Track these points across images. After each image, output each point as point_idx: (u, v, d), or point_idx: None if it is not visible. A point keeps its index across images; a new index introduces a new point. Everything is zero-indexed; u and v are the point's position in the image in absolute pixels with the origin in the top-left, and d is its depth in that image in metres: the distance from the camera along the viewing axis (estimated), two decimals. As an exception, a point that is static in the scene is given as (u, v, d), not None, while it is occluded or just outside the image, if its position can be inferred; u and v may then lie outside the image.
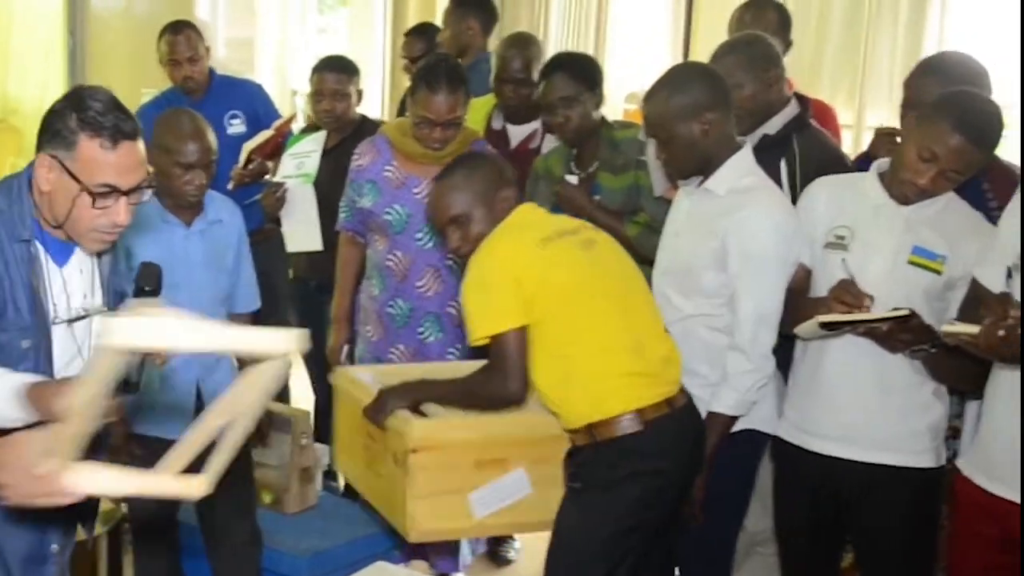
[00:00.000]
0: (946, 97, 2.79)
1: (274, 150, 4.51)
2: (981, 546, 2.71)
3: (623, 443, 2.77)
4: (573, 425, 2.84)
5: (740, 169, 2.98)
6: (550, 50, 6.78)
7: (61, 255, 2.39)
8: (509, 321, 2.75)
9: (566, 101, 3.61)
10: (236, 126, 4.69)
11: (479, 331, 2.79)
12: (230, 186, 4.39)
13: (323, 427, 4.47)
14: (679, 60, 6.62)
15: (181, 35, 4.70)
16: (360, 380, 3.19)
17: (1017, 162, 3.20)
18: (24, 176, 2.34)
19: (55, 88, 6.51)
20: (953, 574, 2.91)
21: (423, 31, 5.42)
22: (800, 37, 4.62)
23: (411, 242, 3.70)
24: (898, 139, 3.13)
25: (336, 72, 4.26)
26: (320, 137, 4.30)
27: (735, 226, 2.88)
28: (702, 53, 6.36)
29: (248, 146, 4.39)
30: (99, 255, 2.46)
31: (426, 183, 3.65)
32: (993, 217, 2.85)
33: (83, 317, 2.42)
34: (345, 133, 4.30)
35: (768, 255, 2.88)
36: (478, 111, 4.29)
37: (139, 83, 5.25)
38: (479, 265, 2.82)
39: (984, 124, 2.74)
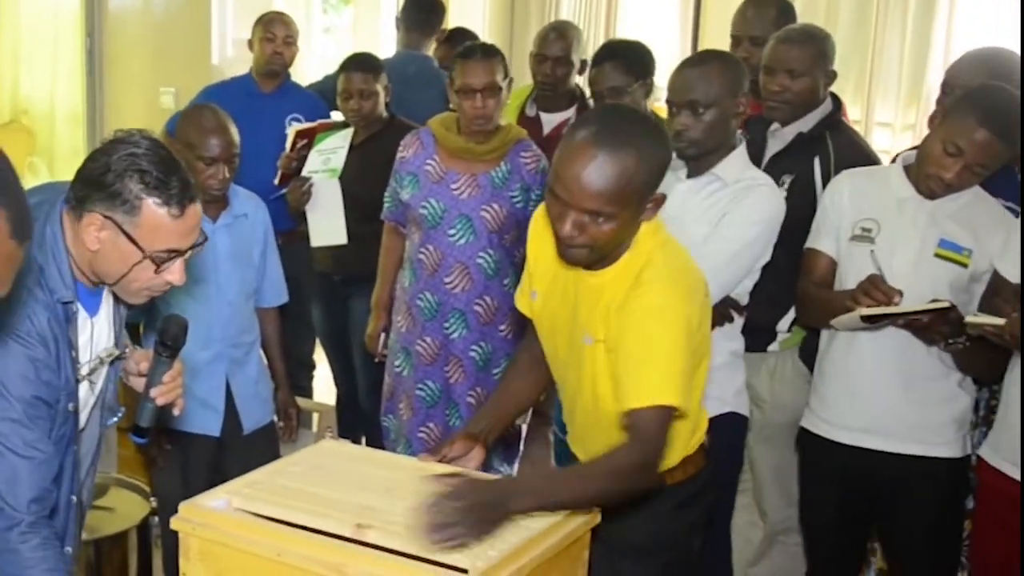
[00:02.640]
0: (972, 92, 2.83)
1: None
2: (1004, 533, 2.76)
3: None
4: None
5: (745, 160, 3.02)
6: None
7: (92, 306, 2.26)
8: (683, 398, 2.23)
9: (615, 91, 3.62)
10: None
11: (660, 395, 2.18)
12: (276, 179, 4.42)
13: (345, 421, 4.52)
14: (688, 52, 6.66)
15: (281, 17, 4.90)
16: (220, 511, 2.20)
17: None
18: (55, 224, 2.14)
19: (68, 88, 6.54)
20: (976, 560, 2.96)
21: (452, 39, 5.37)
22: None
23: (444, 237, 3.73)
24: None
25: (362, 71, 4.28)
26: (348, 134, 4.32)
27: (737, 209, 2.90)
28: (711, 43, 6.41)
29: (295, 128, 4.43)
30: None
31: (465, 179, 3.70)
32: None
33: (100, 364, 2.33)
34: (373, 130, 4.33)
35: (753, 239, 2.90)
36: (514, 99, 4.37)
37: (157, 83, 5.28)
38: (679, 315, 2.25)
39: (1009, 118, 2.76)
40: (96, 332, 2.29)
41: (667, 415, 2.19)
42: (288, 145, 4.42)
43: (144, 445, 2.61)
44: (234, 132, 3.37)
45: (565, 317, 2.41)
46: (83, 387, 2.27)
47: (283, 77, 4.88)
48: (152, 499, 3.57)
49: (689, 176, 2.98)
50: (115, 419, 2.51)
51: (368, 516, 2.09)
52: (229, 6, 5.58)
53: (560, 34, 4.41)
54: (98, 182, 2.05)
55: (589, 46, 5.95)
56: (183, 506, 2.16)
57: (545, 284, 2.46)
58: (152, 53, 5.41)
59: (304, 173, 4.31)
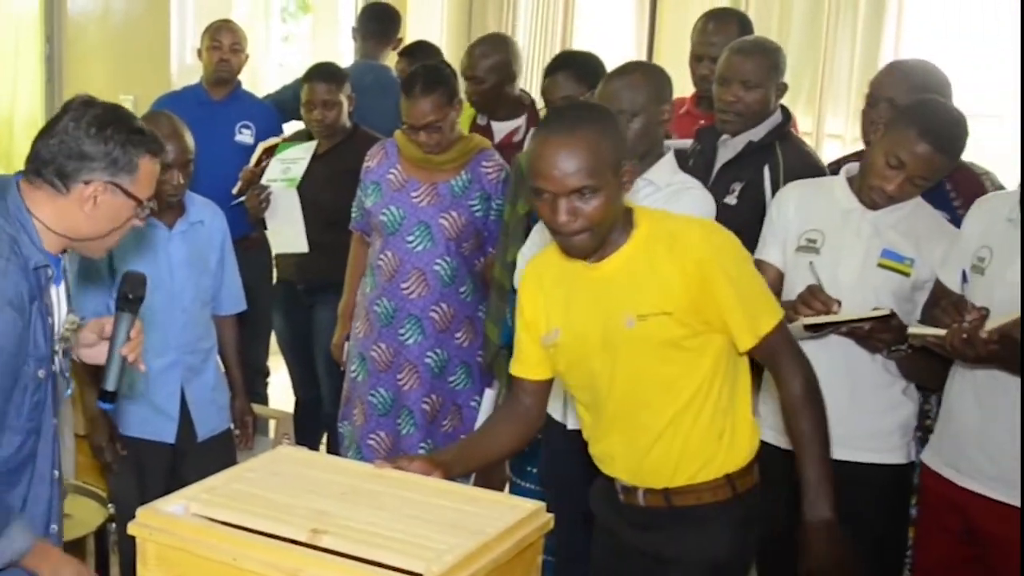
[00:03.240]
0: (912, 106, 2.90)
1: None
2: (944, 537, 2.83)
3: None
4: (704, 477, 2.48)
5: (674, 166, 3.12)
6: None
7: (57, 275, 2.34)
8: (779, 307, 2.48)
9: (567, 101, 3.62)
10: (245, 136, 4.77)
11: (775, 316, 2.41)
12: (235, 189, 4.45)
13: (305, 428, 4.54)
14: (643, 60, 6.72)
15: (228, 25, 4.91)
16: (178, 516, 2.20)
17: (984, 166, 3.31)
18: (15, 197, 2.24)
19: (28, 94, 6.49)
20: (918, 564, 3.02)
21: (412, 52, 5.33)
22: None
23: (402, 243, 3.78)
24: None
25: (326, 81, 4.29)
26: (311, 146, 4.33)
27: (673, 210, 2.94)
28: (666, 53, 6.49)
29: (263, 145, 4.46)
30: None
31: (425, 187, 3.76)
32: (957, 219, 2.96)
33: (71, 332, 2.41)
34: (336, 139, 4.36)
35: None
36: (467, 109, 4.41)
37: (117, 88, 5.26)
38: (737, 247, 2.45)
39: (950, 132, 2.84)
40: (60, 302, 2.36)
41: (786, 325, 2.44)
42: (253, 160, 4.45)
43: (112, 410, 2.63)
44: (189, 138, 3.39)
45: (595, 324, 2.44)
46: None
47: (233, 85, 4.90)
48: (110, 505, 3.58)
49: None
50: (68, 392, 2.54)
51: (324, 521, 2.11)
52: (189, 14, 5.58)
53: (469, 51, 4.45)
54: (96, 154, 2.22)
55: (546, 55, 6.01)
56: (140, 511, 2.18)
57: (560, 312, 2.51)
58: (111, 60, 5.40)
59: (263, 181, 4.33)
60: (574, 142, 2.28)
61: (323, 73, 4.36)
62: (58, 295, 2.35)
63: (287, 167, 4.31)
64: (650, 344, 2.38)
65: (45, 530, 2.39)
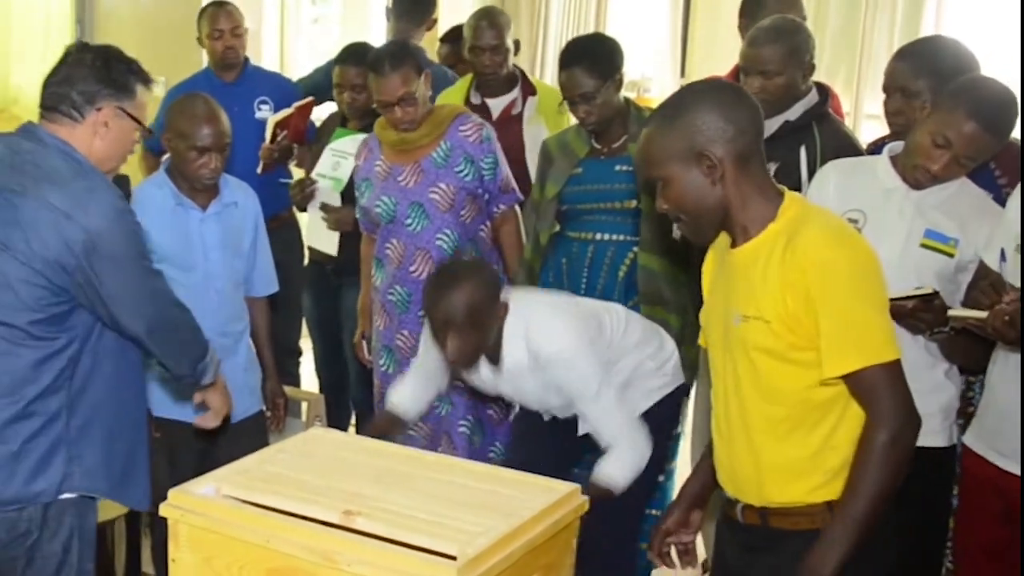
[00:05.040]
0: (961, 84, 2.84)
1: (298, 132, 4.54)
2: (985, 519, 2.80)
3: None
4: (800, 499, 2.28)
5: None
6: (550, 42, 6.85)
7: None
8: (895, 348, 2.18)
9: (586, 97, 3.55)
10: (265, 111, 4.72)
11: (870, 356, 2.14)
12: (259, 168, 4.43)
13: (332, 408, 4.52)
14: (679, 51, 6.68)
15: (223, 9, 4.83)
16: (209, 498, 2.22)
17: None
18: (41, 133, 2.58)
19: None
20: (959, 546, 2.98)
21: (455, 38, 5.31)
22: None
23: (402, 229, 3.76)
24: None
25: (356, 64, 4.24)
26: (362, 139, 4.16)
27: None
28: (701, 41, 6.43)
29: (274, 119, 4.43)
30: None
31: (409, 168, 3.74)
32: (1002, 198, 2.91)
33: None
34: (368, 121, 4.32)
35: None
36: (455, 95, 4.45)
37: (149, 70, 5.26)
38: (856, 268, 2.20)
39: (998, 111, 2.78)
40: None
41: (897, 370, 2.15)
42: (268, 137, 4.42)
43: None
44: (225, 121, 3.38)
45: (719, 311, 2.35)
46: None
47: (242, 64, 4.87)
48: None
49: None
50: None
51: (356, 503, 2.10)
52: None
53: (490, 22, 4.45)
54: (104, 83, 2.57)
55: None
56: (172, 493, 2.18)
57: (708, 291, 2.44)
58: (142, 42, 5.40)
59: (313, 174, 4.32)
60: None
61: (354, 55, 4.32)
62: None
63: (337, 161, 4.26)
64: (747, 347, 2.24)
65: None
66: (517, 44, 4.58)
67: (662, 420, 3.23)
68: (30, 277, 2.46)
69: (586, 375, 2.98)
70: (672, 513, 2.57)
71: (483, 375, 3.13)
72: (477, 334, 2.94)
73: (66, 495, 2.56)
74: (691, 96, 2.29)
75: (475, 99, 4.49)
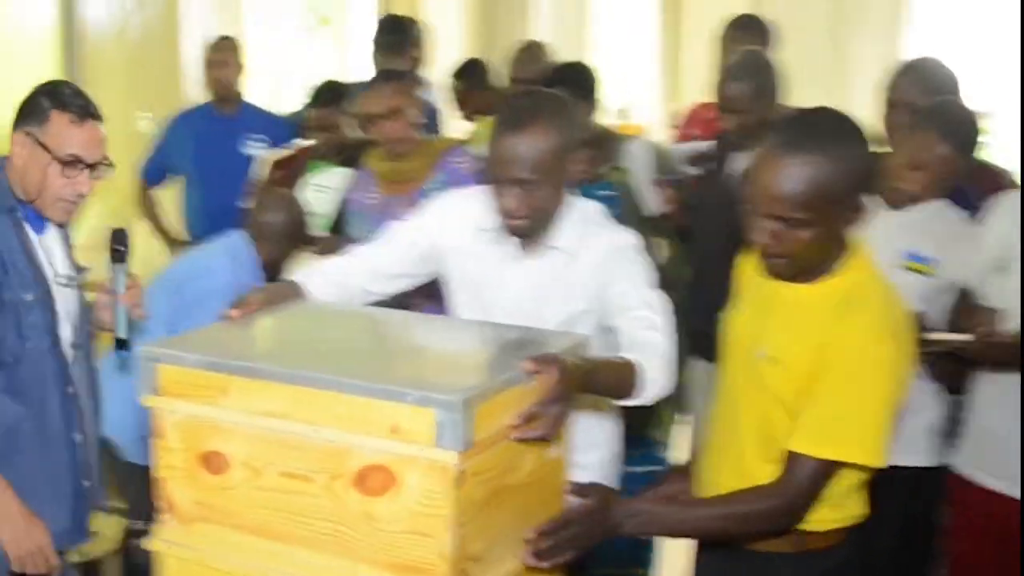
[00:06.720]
0: (932, 108, 2.90)
1: (294, 175, 4.53)
2: (974, 539, 2.83)
3: None
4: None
5: None
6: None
7: (38, 225, 2.58)
8: (872, 458, 2.06)
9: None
10: (254, 148, 4.76)
11: (843, 450, 2.02)
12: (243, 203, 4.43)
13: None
14: (666, 75, 6.73)
15: (219, 43, 4.90)
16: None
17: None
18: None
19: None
20: (953, 569, 3.00)
21: (466, 72, 5.33)
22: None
23: None
24: None
25: (320, 105, 4.27)
26: (345, 174, 4.12)
27: None
28: (688, 66, 6.47)
29: (273, 157, 4.46)
30: (62, 227, 2.65)
31: (404, 201, 3.48)
32: (977, 216, 2.95)
33: (72, 283, 2.63)
34: (342, 157, 4.32)
35: None
36: (487, 126, 4.35)
37: (134, 107, 5.29)
38: (898, 370, 2.06)
39: (967, 132, 2.86)
40: (51, 251, 2.60)
41: (829, 470, 2.04)
42: (263, 173, 4.44)
43: (128, 357, 2.71)
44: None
45: (748, 328, 2.22)
46: (65, 296, 2.59)
47: (239, 100, 4.92)
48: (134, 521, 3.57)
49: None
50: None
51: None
52: (199, 31, 5.62)
53: (532, 55, 4.44)
54: (21, 109, 2.52)
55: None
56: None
57: (743, 297, 2.31)
58: (129, 78, 5.42)
59: None
60: (794, 166, 1.99)
61: (326, 95, 4.35)
62: (45, 244, 2.59)
63: (319, 196, 4.18)
64: (763, 384, 2.13)
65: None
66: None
67: None
68: None
69: (647, 266, 2.53)
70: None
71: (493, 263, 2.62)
72: (557, 193, 2.45)
73: None
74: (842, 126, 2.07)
75: None
